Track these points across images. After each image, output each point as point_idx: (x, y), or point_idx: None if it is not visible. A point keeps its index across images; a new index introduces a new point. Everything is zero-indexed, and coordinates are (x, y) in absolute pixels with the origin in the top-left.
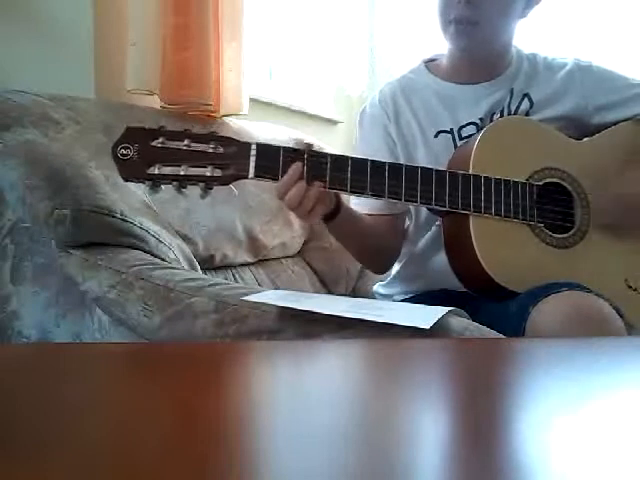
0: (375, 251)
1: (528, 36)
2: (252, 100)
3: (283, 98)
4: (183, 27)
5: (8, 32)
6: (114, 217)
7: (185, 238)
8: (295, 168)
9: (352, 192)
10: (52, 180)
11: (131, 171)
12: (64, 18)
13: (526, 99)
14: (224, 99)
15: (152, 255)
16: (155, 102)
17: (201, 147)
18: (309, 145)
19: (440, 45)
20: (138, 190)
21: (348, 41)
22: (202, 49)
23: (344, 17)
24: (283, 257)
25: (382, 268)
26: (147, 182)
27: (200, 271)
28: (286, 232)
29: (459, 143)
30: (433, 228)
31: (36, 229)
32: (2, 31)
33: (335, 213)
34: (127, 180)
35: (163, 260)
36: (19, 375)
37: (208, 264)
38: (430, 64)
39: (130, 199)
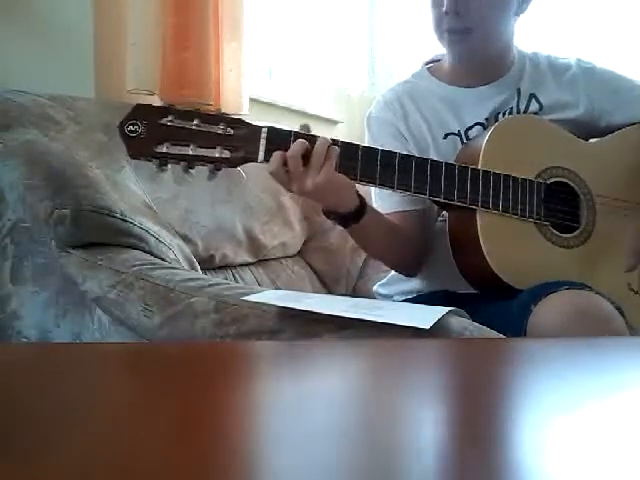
0: (406, 252)
1: (529, 36)
2: (252, 100)
3: (283, 98)
4: (183, 27)
5: (8, 32)
6: (114, 217)
7: (185, 238)
8: (300, 142)
9: (361, 181)
10: (52, 180)
11: (139, 148)
12: (64, 18)
13: (534, 100)
14: (224, 99)
15: (152, 255)
16: (155, 102)
17: (211, 128)
18: (306, 126)
19: (440, 47)
20: (138, 190)
21: (348, 41)
22: (202, 49)
23: (344, 17)
24: (283, 257)
25: (413, 268)
26: (154, 160)
27: (200, 271)
28: (286, 232)
29: (471, 139)
30: (433, 227)
31: (36, 229)
32: (2, 31)
33: (360, 214)
34: (135, 158)
35: (163, 260)
36: (19, 375)
37: (208, 264)
38: (432, 67)
39: (130, 199)
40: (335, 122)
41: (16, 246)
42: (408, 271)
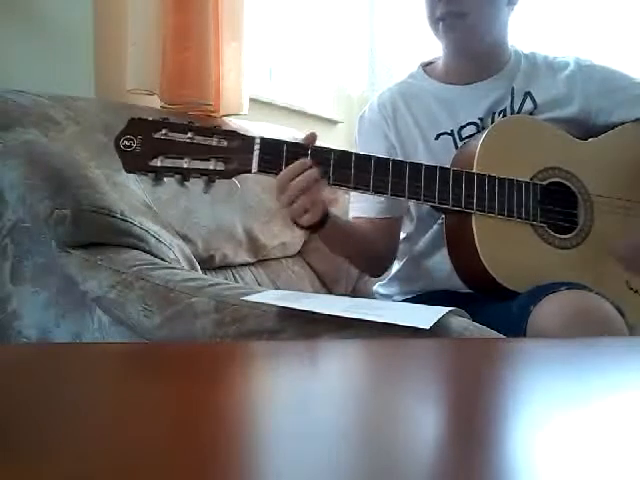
0: (369, 256)
1: (528, 36)
2: (252, 100)
3: (283, 98)
4: (183, 27)
5: (8, 32)
6: (114, 217)
7: (185, 238)
8: (303, 161)
9: (355, 188)
10: (52, 180)
11: (134, 163)
12: (64, 18)
13: (529, 99)
14: (224, 99)
15: (152, 255)
16: (155, 102)
17: (204, 140)
18: (313, 135)
19: (438, 46)
20: (138, 190)
21: (348, 41)
22: (202, 49)
23: (344, 17)
24: (283, 257)
25: (377, 271)
26: (150, 174)
27: (200, 271)
28: (286, 232)
29: (460, 144)
30: (434, 227)
31: (36, 229)
32: (2, 31)
33: (322, 222)
34: (130, 172)
35: (163, 260)
36: (19, 375)
37: (208, 264)
38: (428, 67)
39: (130, 199)
40: (335, 122)
41: (16, 246)
42: (372, 273)
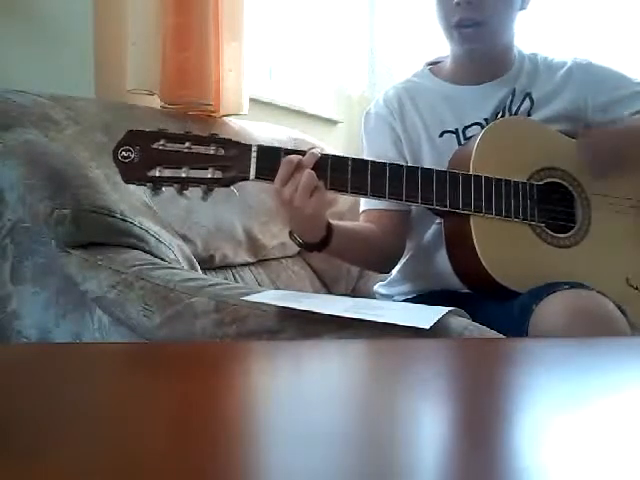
0: (380, 250)
1: (528, 36)
2: (252, 100)
3: (283, 98)
4: (183, 27)
5: (8, 32)
6: (114, 217)
7: (185, 238)
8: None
9: (352, 193)
10: (52, 180)
11: (132, 174)
12: (64, 18)
13: (527, 99)
14: (224, 99)
15: (152, 255)
16: (155, 102)
17: (202, 149)
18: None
19: (441, 46)
20: (138, 190)
21: (348, 41)
22: (202, 49)
23: (344, 17)
24: (283, 257)
25: (388, 267)
26: (148, 184)
27: (200, 271)
28: (286, 232)
29: (464, 143)
30: (433, 226)
31: (36, 229)
32: (2, 31)
33: (328, 238)
34: (128, 183)
35: (163, 260)
36: (19, 375)
37: (208, 264)
38: (434, 67)
39: (130, 199)
40: (335, 122)
41: (16, 246)
42: (382, 270)
